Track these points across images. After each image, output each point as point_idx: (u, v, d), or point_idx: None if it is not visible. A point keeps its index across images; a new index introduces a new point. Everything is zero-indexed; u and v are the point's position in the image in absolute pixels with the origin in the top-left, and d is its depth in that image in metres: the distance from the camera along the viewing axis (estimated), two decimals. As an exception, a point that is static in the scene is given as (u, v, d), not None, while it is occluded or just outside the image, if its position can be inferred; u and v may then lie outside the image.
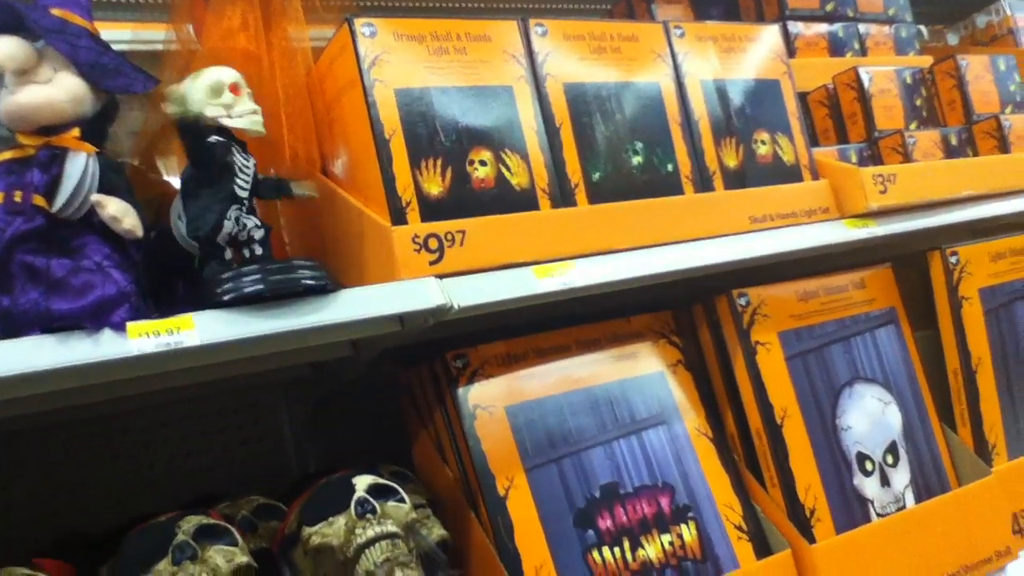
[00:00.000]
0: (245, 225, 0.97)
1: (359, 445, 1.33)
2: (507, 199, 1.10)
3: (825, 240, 1.30)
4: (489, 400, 1.12)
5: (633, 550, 1.11)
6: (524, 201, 1.11)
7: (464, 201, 1.07)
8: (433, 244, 1.02)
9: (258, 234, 0.99)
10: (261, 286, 0.91)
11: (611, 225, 1.14)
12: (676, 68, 1.29)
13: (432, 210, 1.05)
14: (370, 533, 0.85)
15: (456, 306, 0.98)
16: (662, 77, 1.26)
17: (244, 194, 0.95)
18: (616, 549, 1.10)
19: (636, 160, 1.21)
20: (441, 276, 1.00)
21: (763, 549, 1.18)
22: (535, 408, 1.14)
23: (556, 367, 1.18)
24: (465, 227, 1.04)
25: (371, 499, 0.89)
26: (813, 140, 1.66)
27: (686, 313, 1.32)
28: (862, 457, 1.29)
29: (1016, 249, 1.53)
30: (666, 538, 1.13)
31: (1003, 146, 1.60)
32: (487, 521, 1.06)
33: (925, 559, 1.25)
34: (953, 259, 1.43)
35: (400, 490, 0.93)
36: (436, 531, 1.01)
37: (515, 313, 1.22)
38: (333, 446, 1.38)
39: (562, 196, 1.13)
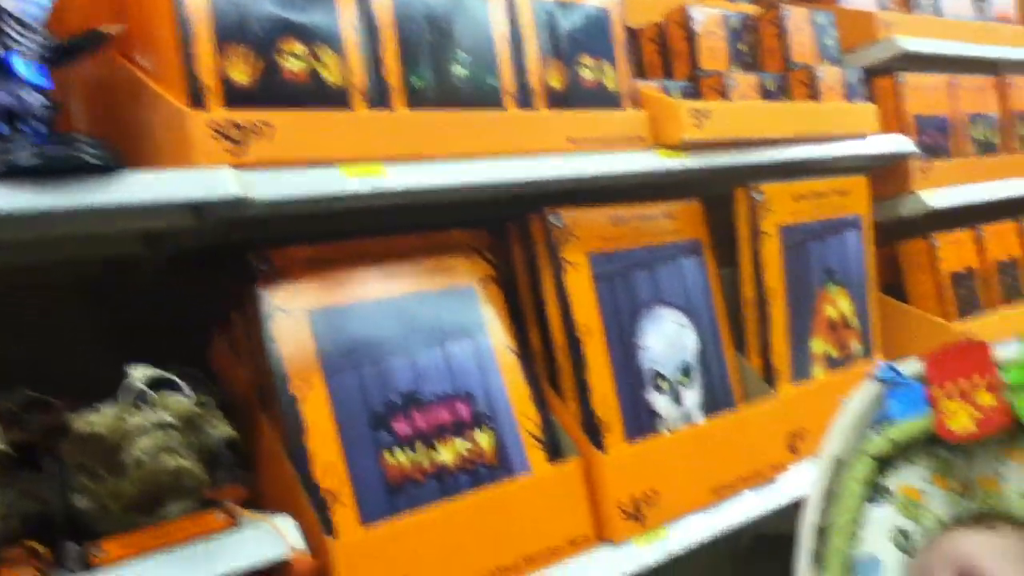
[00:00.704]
0: (22, 99, 0.91)
1: (156, 347, 1.28)
2: (319, 95, 1.07)
3: (639, 167, 1.35)
4: (290, 303, 1.10)
5: (429, 453, 1.13)
6: (337, 99, 1.08)
7: (273, 92, 1.04)
8: (235, 133, 0.98)
9: (39, 111, 0.92)
10: (36, 160, 0.85)
11: (428, 132, 1.13)
12: (507, -17, 1.28)
13: (237, 98, 1.01)
14: (140, 421, 0.83)
15: (256, 199, 0.95)
16: (491, -11, 1.25)
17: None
18: (411, 451, 1.12)
19: (459, 71, 1.20)
20: (242, 167, 0.97)
21: (556, 457, 1.24)
22: (339, 314, 1.13)
23: (364, 275, 1.17)
24: (272, 119, 1.01)
25: (146, 390, 0.86)
26: (640, 74, 1.70)
27: (500, 230, 1.33)
28: (657, 375, 1.36)
29: (817, 192, 1.64)
30: (462, 443, 1.16)
31: (814, 95, 1.69)
32: (279, 422, 1.05)
33: (707, 469, 1.34)
34: (757, 196, 1.52)
35: (181, 384, 0.90)
36: (222, 429, 0.99)
37: (327, 223, 1.20)
38: (130, 348, 1.32)
39: (379, 98, 1.11)
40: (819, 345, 1.61)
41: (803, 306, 1.59)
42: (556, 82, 1.31)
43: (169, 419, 0.85)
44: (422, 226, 1.26)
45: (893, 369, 1.09)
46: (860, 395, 1.10)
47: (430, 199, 1.18)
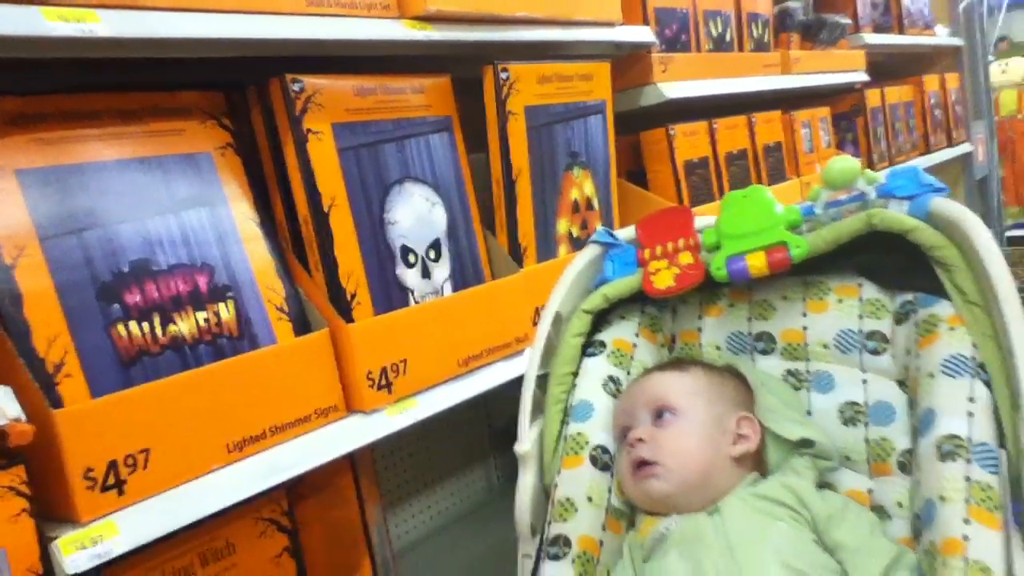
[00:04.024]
0: None
1: None
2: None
3: (383, 35, 1.40)
4: (-5, 161, 1.06)
5: (164, 325, 1.15)
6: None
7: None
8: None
9: None
10: None
11: (149, -21, 1.11)
12: None
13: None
14: None
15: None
16: None
17: None
18: (144, 324, 1.13)
19: (183, -85, 1.18)
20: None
21: (303, 329, 1.30)
22: (54, 175, 1.10)
23: (84, 134, 1.15)
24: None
25: None
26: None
27: (239, 95, 1.34)
28: (406, 250, 1.45)
29: (562, 75, 1.77)
30: (201, 315, 1.19)
31: (561, -22, 1.81)
32: (-10, 291, 1.02)
33: (455, 340, 1.46)
34: (504, 75, 1.62)
35: None
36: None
37: (42, 78, 1.15)
38: None
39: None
40: (564, 225, 1.77)
41: (549, 187, 1.73)
42: (295, -61, 1.32)
43: None
44: (152, 85, 1.24)
45: (609, 233, 1.26)
46: (580, 257, 1.27)
47: (156, 53, 1.17)
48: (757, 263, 1.07)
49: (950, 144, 4.01)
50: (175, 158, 1.23)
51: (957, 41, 4.29)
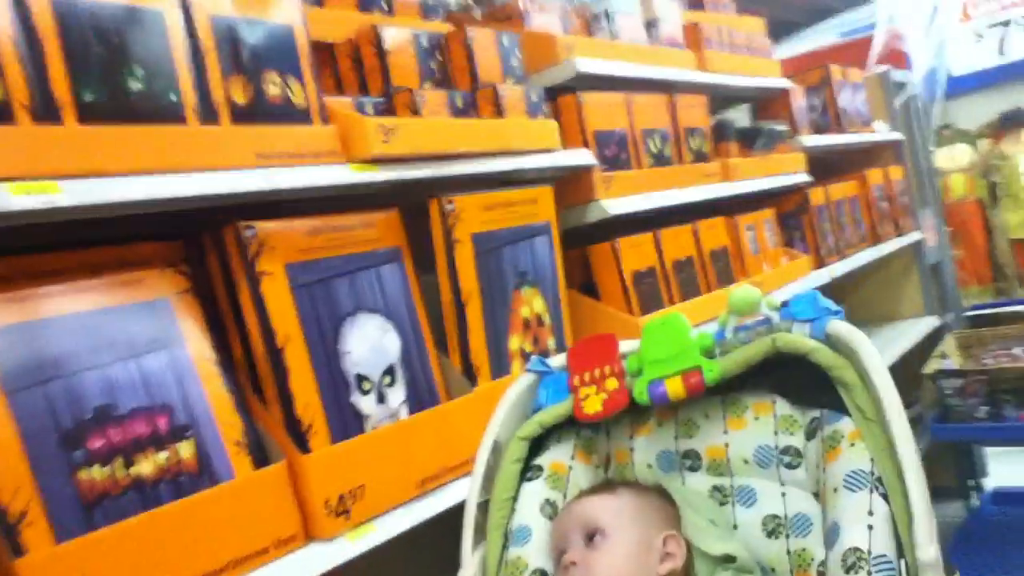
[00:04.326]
0: None
1: None
2: (-18, 111, 1.12)
3: (330, 180, 1.51)
4: (-37, 323, 1.13)
5: (126, 467, 1.21)
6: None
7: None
8: None
9: None
10: None
11: (105, 147, 1.21)
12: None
13: None
14: None
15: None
16: (167, 6, 1.36)
17: None
18: (107, 467, 1.19)
19: (135, 86, 1.29)
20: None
21: (261, 462, 1.36)
22: (21, 331, 1.18)
23: (49, 290, 1.23)
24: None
25: None
26: (338, 88, 1.88)
27: (195, 242, 1.44)
28: (360, 378, 1.52)
29: (506, 201, 1.89)
30: (162, 455, 1.25)
31: (500, 112, 1.95)
32: (-44, 447, 1.09)
33: (412, 463, 1.52)
34: (449, 206, 1.73)
35: None
36: None
37: (9, 238, 1.24)
38: None
39: (46, 113, 1.18)
40: (516, 342, 1.86)
41: (499, 307, 1.83)
42: (240, 97, 1.44)
43: None
44: (114, 239, 1.33)
45: (543, 362, 1.37)
46: (515, 386, 1.36)
47: (116, 213, 1.26)
48: (675, 387, 1.18)
49: (899, 233, 4.17)
50: (135, 306, 1.32)
51: (897, 135, 4.51)
